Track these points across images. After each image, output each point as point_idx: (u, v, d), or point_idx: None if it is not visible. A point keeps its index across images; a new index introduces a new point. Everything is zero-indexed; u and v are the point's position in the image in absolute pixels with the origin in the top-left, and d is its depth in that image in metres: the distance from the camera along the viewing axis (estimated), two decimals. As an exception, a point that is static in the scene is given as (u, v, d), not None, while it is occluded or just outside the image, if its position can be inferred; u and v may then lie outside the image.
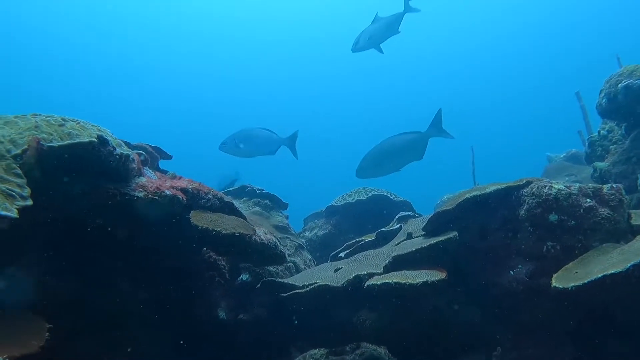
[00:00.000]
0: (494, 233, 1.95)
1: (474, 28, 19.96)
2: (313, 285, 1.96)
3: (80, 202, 1.37)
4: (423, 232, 2.10)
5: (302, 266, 2.63)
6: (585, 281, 1.46)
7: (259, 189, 2.98)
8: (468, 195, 1.91)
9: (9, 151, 1.16)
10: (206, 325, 2.20)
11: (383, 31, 4.08)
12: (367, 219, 3.36)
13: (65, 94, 19.89)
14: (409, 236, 2.17)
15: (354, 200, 3.31)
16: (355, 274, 1.91)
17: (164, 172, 2.02)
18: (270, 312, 2.33)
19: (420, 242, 1.93)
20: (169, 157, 2.27)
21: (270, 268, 2.41)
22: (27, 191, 1.11)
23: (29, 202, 1.09)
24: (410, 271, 1.81)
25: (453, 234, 1.88)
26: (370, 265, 2.01)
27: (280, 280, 2.20)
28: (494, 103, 21.07)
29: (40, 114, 1.35)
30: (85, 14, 19.12)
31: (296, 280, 2.18)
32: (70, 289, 1.52)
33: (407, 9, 3.90)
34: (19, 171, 1.13)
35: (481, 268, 1.95)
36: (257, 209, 2.82)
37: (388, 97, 22.10)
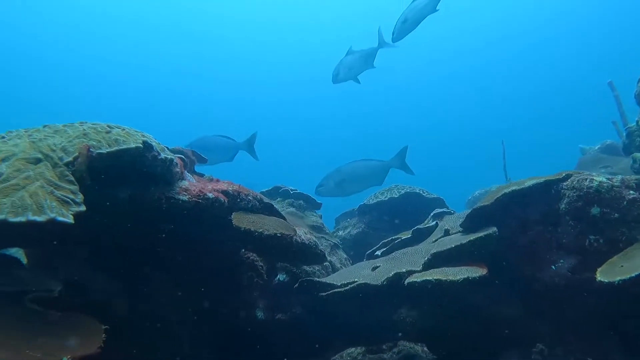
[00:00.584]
0: (533, 227, 1.93)
1: (507, 16, 19.59)
2: (352, 284, 1.97)
3: (127, 206, 1.40)
4: (460, 229, 2.09)
5: (338, 265, 2.64)
6: (633, 275, 1.44)
7: (292, 190, 3.00)
8: (506, 190, 1.89)
9: (61, 159, 1.19)
10: (245, 325, 2.23)
11: (361, 64, 4.19)
12: (400, 217, 3.35)
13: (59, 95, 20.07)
14: (446, 233, 2.16)
15: (386, 198, 3.30)
16: (395, 272, 1.91)
17: (201, 175, 2.06)
18: (308, 311, 2.34)
19: (459, 239, 1.92)
20: (205, 161, 2.31)
21: (307, 268, 2.42)
22: (80, 197, 1.14)
23: (83, 208, 1.12)
24: (450, 268, 1.80)
25: (492, 229, 1.86)
26: (409, 262, 2.00)
27: (318, 279, 2.21)
28: (523, 95, 20.68)
29: (86, 122, 1.39)
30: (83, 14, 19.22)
31: (334, 279, 2.19)
32: (116, 290, 1.56)
33: (381, 44, 4.01)
34: (72, 178, 1.17)
35: (521, 263, 1.93)
36: (292, 209, 2.84)
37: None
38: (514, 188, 1.88)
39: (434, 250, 1.93)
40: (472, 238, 1.85)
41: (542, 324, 1.97)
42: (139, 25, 20.35)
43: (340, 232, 3.42)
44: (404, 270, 1.92)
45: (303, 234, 1.77)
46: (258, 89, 22.14)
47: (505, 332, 2.01)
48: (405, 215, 3.29)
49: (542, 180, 1.88)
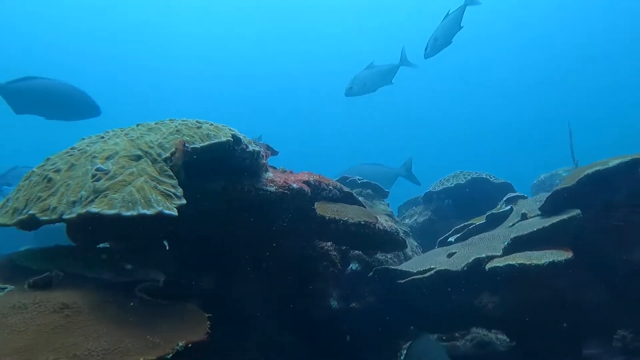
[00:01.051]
0: (619, 209, 1.86)
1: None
2: (431, 271, 1.96)
3: (218, 198, 1.45)
4: (539, 212, 2.04)
5: (410, 253, 2.63)
6: None
7: (360, 179, 3.01)
8: (589, 171, 1.83)
9: (159, 155, 1.24)
10: (320, 314, 2.26)
11: (377, 81, 4.14)
12: (467, 203, 3.30)
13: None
14: (524, 217, 2.11)
15: (452, 185, 3.26)
16: (474, 257, 1.89)
17: (274, 167, 2.09)
18: (382, 299, 2.35)
19: (540, 222, 1.88)
20: (276, 153, 2.34)
21: (380, 256, 2.43)
22: (180, 191, 1.19)
23: (184, 201, 1.17)
24: (534, 252, 1.77)
25: (576, 211, 1.81)
26: (487, 248, 1.98)
27: (393, 267, 2.21)
28: (586, 75, 19.81)
29: (176, 119, 1.44)
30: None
31: (409, 266, 2.19)
32: (207, 281, 1.61)
33: (403, 62, 3.97)
34: (171, 173, 1.22)
35: (607, 246, 1.87)
36: (360, 198, 2.84)
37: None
38: (597, 168, 1.82)
39: (514, 235, 1.89)
40: (554, 221, 1.81)
41: (629, 309, 1.91)
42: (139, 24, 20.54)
43: (407, 220, 3.40)
44: (484, 255, 1.89)
45: (384, 221, 1.78)
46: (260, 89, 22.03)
47: (589, 318, 1.96)
48: (473, 201, 3.24)
49: (628, 159, 1.82)
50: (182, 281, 1.53)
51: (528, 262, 1.71)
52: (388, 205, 3.04)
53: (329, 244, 2.21)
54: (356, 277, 2.38)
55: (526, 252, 1.79)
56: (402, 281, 2.06)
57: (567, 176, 2.02)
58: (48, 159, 1.33)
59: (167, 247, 1.60)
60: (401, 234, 1.88)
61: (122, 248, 1.60)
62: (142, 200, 1.08)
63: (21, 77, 3.44)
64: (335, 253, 2.33)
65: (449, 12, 3.85)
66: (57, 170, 1.21)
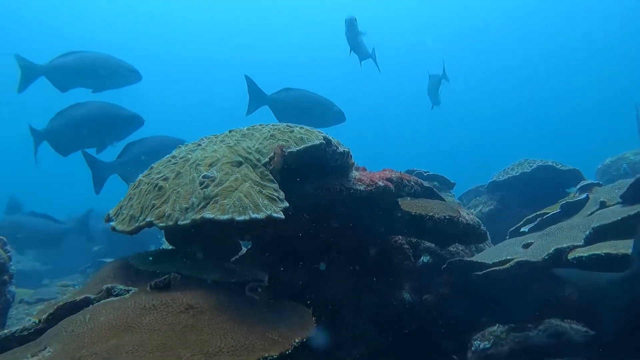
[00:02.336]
0: None
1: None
2: (511, 262, 1.96)
3: (312, 199, 1.51)
4: (620, 200, 2.01)
5: (481, 244, 2.62)
6: None
7: (425, 172, 3.02)
8: (675, 157, 1.79)
9: (259, 160, 1.31)
10: (395, 306, 2.30)
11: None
12: (532, 192, 3.26)
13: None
14: (602, 205, 2.08)
15: (517, 174, 3.23)
16: (555, 247, 1.88)
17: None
18: (455, 291, 2.36)
19: (624, 210, 1.85)
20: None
21: (451, 248, 2.44)
22: (282, 194, 1.25)
23: (286, 204, 1.22)
24: (620, 241, 1.75)
25: (663, 198, 1.78)
26: (567, 237, 1.96)
27: (468, 259, 2.22)
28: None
29: (266, 124, 1.51)
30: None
31: (484, 257, 2.19)
32: (299, 278, 1.68)
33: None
34: (271, 177, 1.28)
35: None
36: (427, 191, 2.86)
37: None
38: (684, 154, 1.78)
39: (595, 224, 1.87)
40: (640, 209, 1.78)
41: None
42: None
43: (472, 211, 3.39)
44: (565, 245, 1.88)
45: (466, 214, 1.80)
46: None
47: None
48: (540, 190, 3.20)
49: None
50: (275, 279, 1.60)
51: (615, 252, 1.69)
52: (454, 197, 3.04)
53: (401, 237, 2.24)
54: (428, 269, 2.41)
55: (612, 241, 1.77)
56: (480, 273, 2.07)
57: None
58: (152, 167, 1.42)
59: (254, 247, 1.67)
60: (482, 227, 1.89)
61: (214, 250, 1.68)
62: (252, 205, 1.15)
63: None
64: (407, 246, 2.36)
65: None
66: (165, 179, 1.29)
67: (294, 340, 1.06)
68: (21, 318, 2.86)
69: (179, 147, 1.52)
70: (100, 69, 3.59)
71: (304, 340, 1.09)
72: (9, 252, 2.09)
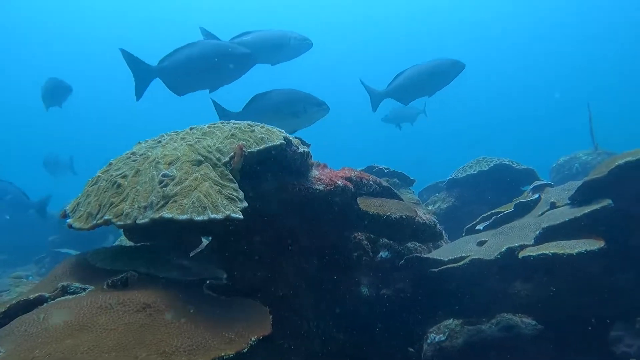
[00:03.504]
0: (650, 198, 1.91)
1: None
2: (465, 260, 2.03)
3: (271, 198, 1.52)
4: (569, 202, 2.10)
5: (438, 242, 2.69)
6: None
7: (386, 168, 3.07)
8: (620, 162, 1.88)
9: (219, 159, 1.31)
10: (353, 300, 2.34)
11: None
12: (489, 190, 3.36)
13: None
14: (553, 206, 2.17)
15: (475, 172, 3.32)
16: (507, 246, 1.95)
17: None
18: (412, 286, 2.42)
19: (572, 212, 1.94)
20: (308, 146, 2.41)
21: (409, 244, 2.50)
22: (241, 194, 1.26)
23: (246, 204, 1.24)
24: (567, 241, 1.83)
25: (607, 201, 1.87)
26: (518, 237, 2.04)
27: (425, 255, 2.28)
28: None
29: (228, 122, 1.51)
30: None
31: (440, 254, 2.26)
32: (257, 274, 1.69)
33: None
34: (231, 177, 1.29)
35: (638, 235, 1.93)
36: (387, 187, 2.91)
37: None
38: (628, 159, 1.87)
39: (545, 224, 1.95)
40: (587, 211, 1.87)
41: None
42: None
43: (430, 207, 3.47)
44: (516, 244, 1.96)
45: (423, 214, 1.85)
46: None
47: (617, 303, 2.03)
48: (496, 188, 3.30)
49: (659, 150, 1.86)
50: (233, 276, 1.61)
51: (561, 252, 1.77)
52: (414, 194, 3.10)
53: (360, 233, 2.28)
54: (386, 265, 2.46)
55: (559, 241, 1.85)
56: (436, 270, 2.13)
57: (598, 167, 2.06)
58: (111, 164, 1.40)
59: (212, 244, 1.68)
60: (438, 226, 1.95)
61: (173, 246, 1.68)
62: (211, 205, 1.16)
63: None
64: (366, 242, 2.41)
65: None
66: (124, 176, 1.29)
67: (251, 339, 1.08)
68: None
69: (139, 143, 1.51)
70: (215, 61, 3.30)
71: (261, 338, 1.11)
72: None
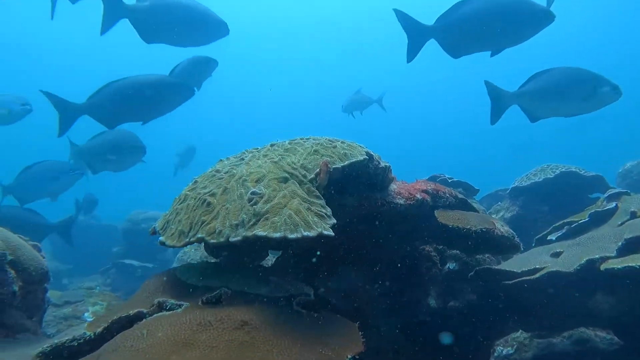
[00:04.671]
0: None
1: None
2: (542, 272, 1.97)
3: (353, 213, 1.53)
4: (651, 210, 2.02)
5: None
6: None
7: (450, 178, 3.03)
8: None
9: (304, 176, 1.33)
10: (421, 312, 2.32)
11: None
12: (555, 198, 3.26)
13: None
14: (633, 215, 2.09)
15: (540, 180, 3.23)
16: (587, 258, 1.89)
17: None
18: (481, 299, 2.38)
19: (657, 222, 1.86)
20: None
21: (478, 255, 2.45)
22: (329, 211, 1.27)
23: (334, 221, 1.24)
24: (654, 253, 1.76)
25: (696, 211, 1.78)
26: (598, 248, 1.97)
27: (496, 267, 2.24)
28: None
29: (307, 138, 1.53)
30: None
31: (512, 266, 2.21)
32: (332, 288, 1.70)
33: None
34: (318, 193, 1.30)
35: None
36: (452, 198, 2.87)
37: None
38: None
39: (628, 235, 1.88)
40: (673, 221, 1.79)
41: None
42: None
43: (494, 216, 3.39)
44: (597, 256, 1.89)
45: (500, 226, 1.81)
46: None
47: None
48: (563, 196, 3.20)
49: None
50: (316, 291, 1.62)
51: (649, 264, 1.71)
52: (479, 203, 3.05)
53: (429, 245, 2.26)
54: (453, 276, 2.42)
55: (645, 253, 1.78)
56: (510, 282, 2.09)
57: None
58: (196, 181, 1.44)
59: (286, 257, 1.69)
60: (516, 238, 1.91)
61: (248, 258, 1.70)
62: (302, 223, 1.17)
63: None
64: (435, 254, 2.38)
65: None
66: (213, 194, 1.32)
67: (347, 357, 1.08)
68: (50, 321, 2.90)
69: (221, 160, 1.54)
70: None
71: (356, 356, 1.11)
72: (44, 257, 2.13)
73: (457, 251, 2.41)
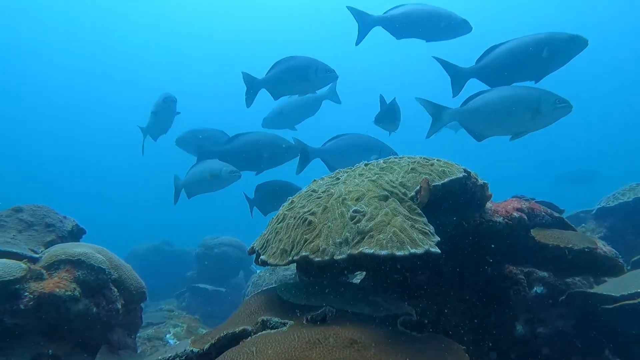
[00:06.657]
0: None
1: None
2: (649, 296, 1.86)
3: (451, 231, 1.50)
4: None
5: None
6: None
7: (532, 198, 2.92)
8: None
9: (405, 194, 1.32)
10: (508, 339, 2.22)
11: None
12: (646, 218, 3.09)
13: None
14: None
15: (630, 199, 3.06)
16: (700, 282, 1.77)
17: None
18: (573, 325, 2.26)
19: None
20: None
21: (568, 279, 2.34)
22: (432, 228, 1.25)
23: (438, 238, 1.22)
24: None
25: None
26: None
27: (591, 291, 2.12)
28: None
29: (402, 157, 1.52)
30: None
31: (609, 290, 2.09)
32: (424, 311, 1.66)
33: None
34: (420, 211, 1.28)
35: None
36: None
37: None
38: None
39: None
40: None
41: None
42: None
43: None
44: None
45: (602, 245, 1.73)
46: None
47: None
48: (655, 217, 3.03)
49: None
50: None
51: None
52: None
53: (515, 267, 2.18)
54: (542, 300, 2.32)
55: None
56: (610, 306, 1.97)
57: None
58: (293, 201, 1.46)
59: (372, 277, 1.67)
60: (620, 259, 1.81)
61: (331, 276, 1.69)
62: (408, 240, 1.15)
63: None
64: (522, 276, 2.29)
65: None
66: (313, 213, 1.33)
67: (459, 378, 1.05)
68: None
69: (315, 181, 1.56)
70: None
71: (466, 378, 1.08)
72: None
73: (546, 274, 2.31)
